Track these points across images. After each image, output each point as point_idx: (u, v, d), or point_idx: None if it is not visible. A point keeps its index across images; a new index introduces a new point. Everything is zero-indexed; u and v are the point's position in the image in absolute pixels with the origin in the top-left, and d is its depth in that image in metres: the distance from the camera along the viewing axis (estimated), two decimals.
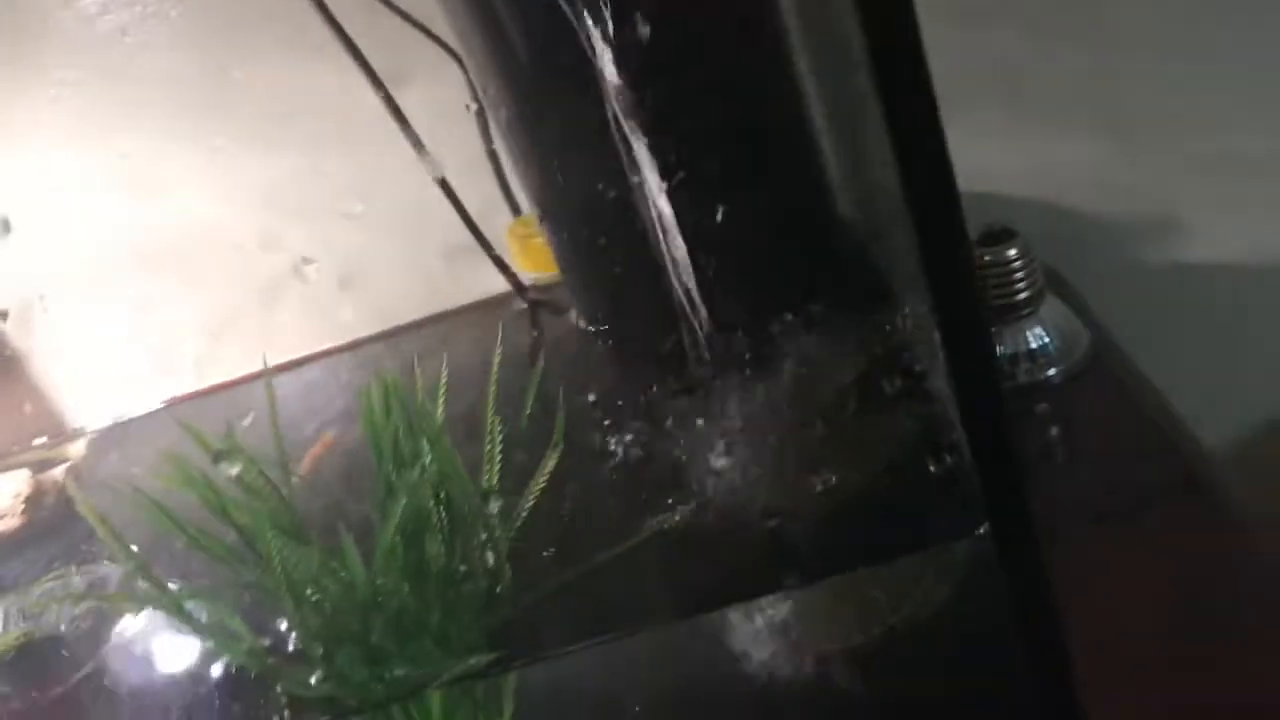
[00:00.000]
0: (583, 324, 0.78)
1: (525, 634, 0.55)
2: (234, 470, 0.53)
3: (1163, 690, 0.60)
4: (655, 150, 0.62)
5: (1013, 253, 0.83)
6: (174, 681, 0.60)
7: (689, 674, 0.65)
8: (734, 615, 0.64)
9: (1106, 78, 0.98)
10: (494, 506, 0.55)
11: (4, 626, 0.72)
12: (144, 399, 0.99)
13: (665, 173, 0.62)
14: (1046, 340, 0.85)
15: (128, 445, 0.88)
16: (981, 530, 0.49)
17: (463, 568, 0.56)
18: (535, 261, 0.89)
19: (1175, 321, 1.03)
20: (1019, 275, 0.84)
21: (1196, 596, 0.65)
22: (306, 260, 0.85)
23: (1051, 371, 0.85)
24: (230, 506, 0.55)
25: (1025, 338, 0.85)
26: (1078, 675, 0.50)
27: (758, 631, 0.64)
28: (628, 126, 0.63)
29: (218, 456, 0.53)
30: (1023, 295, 0.84)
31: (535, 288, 0.86)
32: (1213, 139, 1.01)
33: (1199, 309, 1.05)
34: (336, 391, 0.81)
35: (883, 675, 0.61)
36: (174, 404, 0.87)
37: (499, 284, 0.90)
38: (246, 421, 0.60)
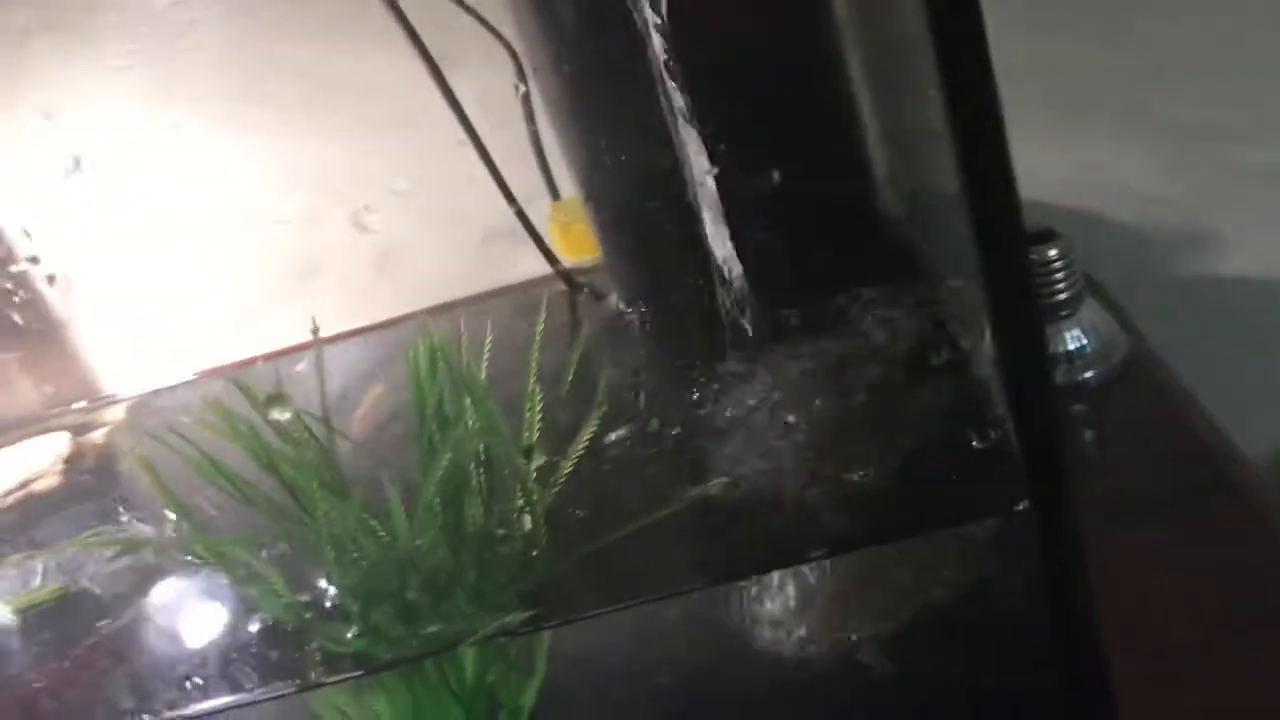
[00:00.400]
0: (623, 306, 0.78)
1: (560, 597, 0.55)
2: (285, 415, 0.54)
3: (1190, 690, 0.60)
4: (702, 127, 0.62)
5: (1053, 253, 0.83)
6: (208, 635, 0.61)
7: (718, 656, 0.65)
8: (765, 599, 0.64)
9: (1152, 87, 0.98)
10: (534, 464, 0.55)
11: (41, 581, 0.73)
12: (184, 368, 1.00)
13: (711, 149, 0.62)
14: (1084, 342, 0.85)
15: (167, 411, 0.89)
16: (1020, 506, 0.49)
17: (500, 530, 0.57)
18: (575, 247, 0.90)
19: (1214, 334, 1.03)
20: (1059, 276, 0.84)
21: (1227, 600, 0.65)
22: (368, 209, 0.86)
23: (1089, 374, 0.85)
24: (276, 458, 0.55)
25: (1063, 339, 0.85)
26: (1109, 656, 0.50)
27: (787, 615, 0.64)
28: (675, 102, 0.63)
29: (269, 401, 0.53)
30: (1062, 296, 0.84)
31: (576, 272, 0.86)
32: (1256, 151, 1.00)
33: (1238, 322, 1.04)
34: (379, 362, 0.81)
35: (911, 660, 0.61)
36: (214, 374, 0.88)
37: (539, 268, 0.90)
38: (299, 367, 0.60)
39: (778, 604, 0.63)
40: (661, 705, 0.64)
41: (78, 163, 0.89)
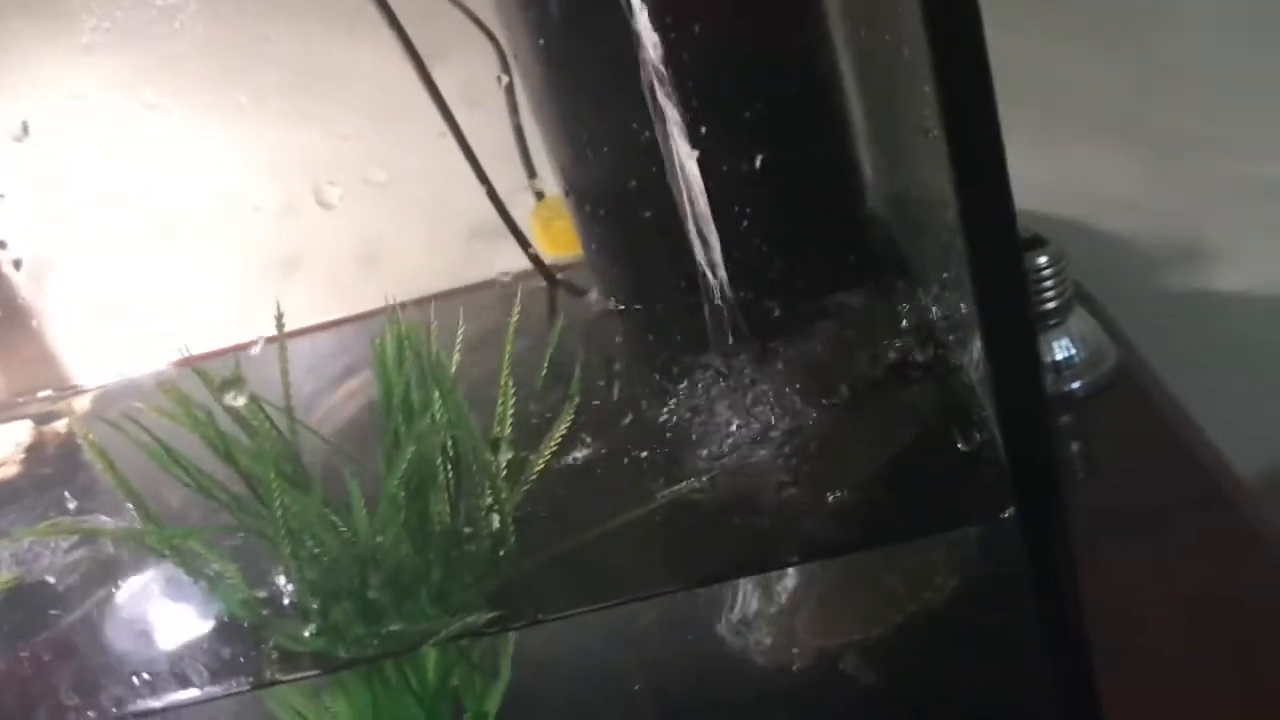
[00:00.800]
0: (602, 302, 0.77)
1: (528, 598, 0.53)
2: (240, 400, 0.52)
3: (1179, 704, 0.58)
4: (687, 120, 0.61)
5: (1042, 260, 0.81)
6: (163, 630, 0.59)
7: (693, 663, 0.64)
8: (742, 605, 0.63)
9: (1147, 97, 0.97)
10: (504, 458, 0.53)
11: None
12: (153, 359, 0.98)
13: (696, 143, 0.61)
14: (1072, 352, 0.84)
15: (133, 402, 0.87)
16: (1007, 514, 0.47)
17: (467, 529, 0.55)
18: (557, 244, 0.88)
19: (1203, 348, 1.02)
20: (1048, 284, 0.82)
21: (1217, 613, 0.63)
22: (331, 183, 0.84)
23: (1076, 384, 0.83)
24: (233, 447, 0.53)
25: (1051, 348, 0.83)
26: (1097, 668, 0.49)
27: (765, 621, 0.62)
28: (661, 95, 0.61)
29: (224, 385, 0.51)
30: (1051, 305, 0.83)
31: (557, 268, 0.85)
32: (1248, 165, 0.99)
33: (1228, 336, 1.03)
34: (354, 355, 0.79)
35: (894, 670, 0.59)
36: (185, 364, 0.85)
37: (519, 262, 0.89)
38: (255, 349, 0.58)
39: (756, 610, 0.61)
40: (633, 713, 0.62)
41: (25, 128, 0.87)
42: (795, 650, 0.60)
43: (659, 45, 0.60)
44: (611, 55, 0.62)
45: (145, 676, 0.54)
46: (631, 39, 0.61)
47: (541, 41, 0.70)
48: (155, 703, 0.54)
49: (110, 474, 0.54)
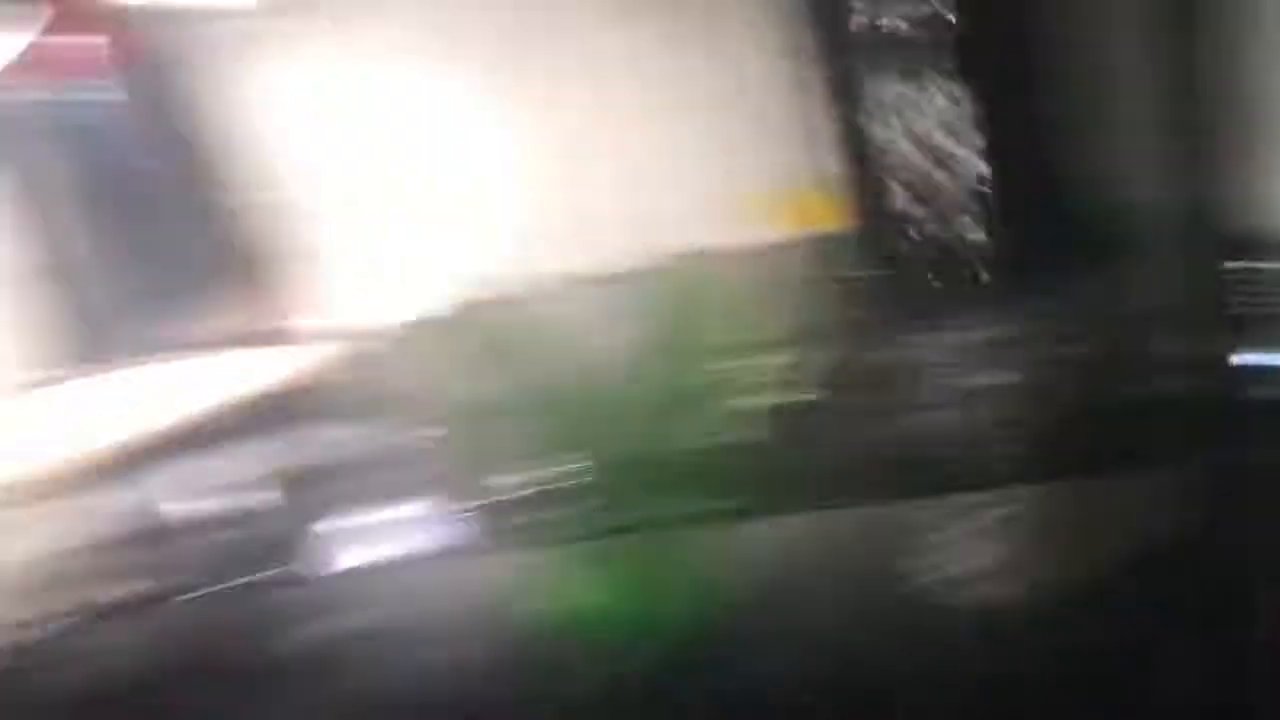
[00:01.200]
0: (858, 273, 0.82)
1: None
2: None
3: None
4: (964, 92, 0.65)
5: None
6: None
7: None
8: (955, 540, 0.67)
9: None
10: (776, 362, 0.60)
11: None
12: (422, 306, 1.05)
13: (972, 115, 0.66)
14: None
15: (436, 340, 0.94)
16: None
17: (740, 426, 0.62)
18: (812, 218, 0.94)
19: None
20: None
21: None
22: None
23: None
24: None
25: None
26: None
27: (979, 554, 0.66)
28: (938, 69, 0.67)
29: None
30: None
31: (816, 241, 0.90)
32: None
33: None
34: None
35: (1110, 608, 0.61)
36: (473, 309, 0.94)
37: (782, 236, 0.94)
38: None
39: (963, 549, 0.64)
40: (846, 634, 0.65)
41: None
42: (1009, 588, 0.63)
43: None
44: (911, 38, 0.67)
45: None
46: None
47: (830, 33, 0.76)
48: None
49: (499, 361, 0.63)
